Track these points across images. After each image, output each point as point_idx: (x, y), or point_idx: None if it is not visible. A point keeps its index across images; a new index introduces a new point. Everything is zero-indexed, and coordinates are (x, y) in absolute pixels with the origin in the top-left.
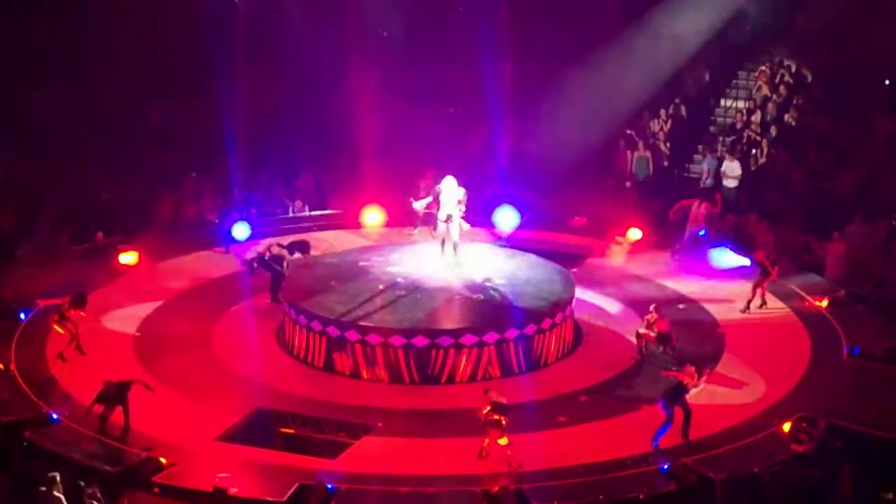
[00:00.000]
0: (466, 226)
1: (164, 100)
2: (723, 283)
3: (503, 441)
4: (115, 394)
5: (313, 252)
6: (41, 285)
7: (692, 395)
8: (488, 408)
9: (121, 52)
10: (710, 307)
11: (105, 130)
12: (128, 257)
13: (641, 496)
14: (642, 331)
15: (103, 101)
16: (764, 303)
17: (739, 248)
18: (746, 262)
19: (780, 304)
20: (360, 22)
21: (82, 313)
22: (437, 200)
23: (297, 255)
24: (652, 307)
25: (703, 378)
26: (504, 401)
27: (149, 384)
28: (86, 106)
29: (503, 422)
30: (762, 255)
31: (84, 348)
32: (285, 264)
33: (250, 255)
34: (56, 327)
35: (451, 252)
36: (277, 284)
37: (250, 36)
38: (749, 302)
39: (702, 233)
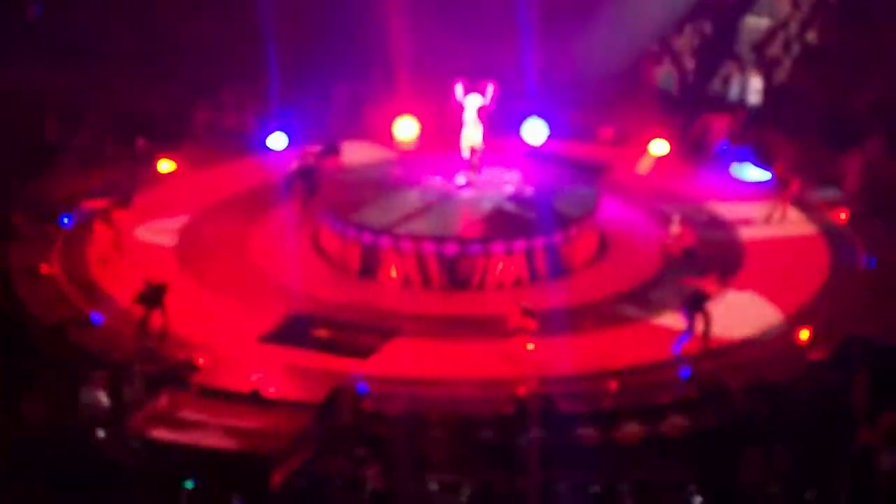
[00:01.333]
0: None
1: (203, 9)
2: (744, 196)
3: (531, 346)
4: (153, 293)
5: (347, 161)
6: (83, 189)
7: (713, 304)
8: (518, 313)
9: None
10: (731, 219)
11: (146, 41)
12: (166, 164)
13: (663, 401)
14: (668, 241)
15: (143, 15)
16: (784, 215)
17: (760, 162)
18: (767, 175)
19: (800, 216)
20: None
21: (126, 213)
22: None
23: (330, 155)
24: (676, 217)
25: (725, 286)
26: (531, 306)
27: (183, 289)
28: (126, 19)
29: (532, 326)
30: (781, 168)
31: (125, 252)
32: (316, 172)
33: (290, 167)
34: (100, 228)
35: (475, 161)
36: (311, 193)
37: None
38: (770, 214)
39: (724, 147)
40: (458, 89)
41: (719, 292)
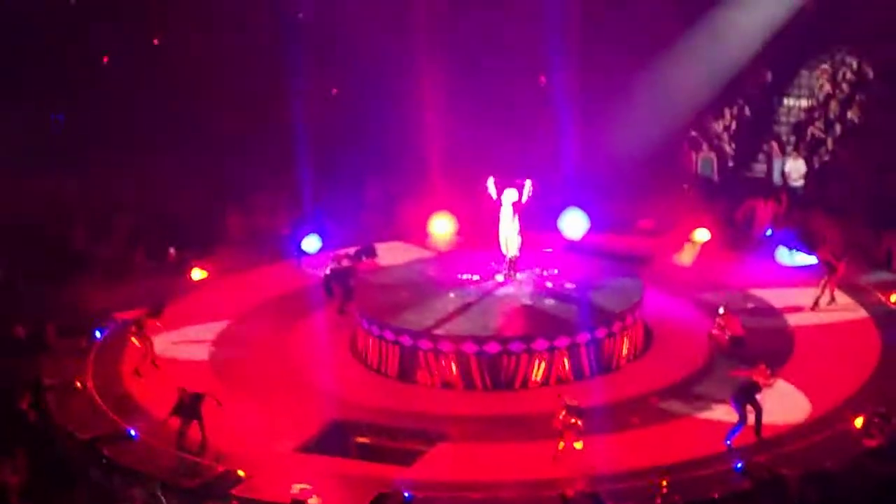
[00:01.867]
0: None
1: (235, 111)
2: (791, 282)
3: (579, 445)
4: (189, 404)
5: (382, 262)
6: (115, 301)
7: (764, 395)
8: (564, 412)
9: (189, 65)
10: (778, 306)
11: (176, 144)
12: (199, 273)
13: (716, 495)
14: (715, 332)
15: (173, 115)
16: (832, 299)
17: (806, 246)
18: (813, 259)
19: (849, 300)
20: (424, 30)
21: (158, 323)
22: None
23: (365, 258)
24: (721, 308)
25: (775, 377)
26: (578, 404)
27: (219, 399)
28: (157, 120)
29: (579, 424)
30: (827, 252)
31: (159, 363)
32: (352, 274)
33: (325, 271)
34: (133, 339)
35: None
36: (347, 296)
37: (317, 48)
38: (818, 299)
39: (769, 232)
40: (490, 184)
41: (769, 382)
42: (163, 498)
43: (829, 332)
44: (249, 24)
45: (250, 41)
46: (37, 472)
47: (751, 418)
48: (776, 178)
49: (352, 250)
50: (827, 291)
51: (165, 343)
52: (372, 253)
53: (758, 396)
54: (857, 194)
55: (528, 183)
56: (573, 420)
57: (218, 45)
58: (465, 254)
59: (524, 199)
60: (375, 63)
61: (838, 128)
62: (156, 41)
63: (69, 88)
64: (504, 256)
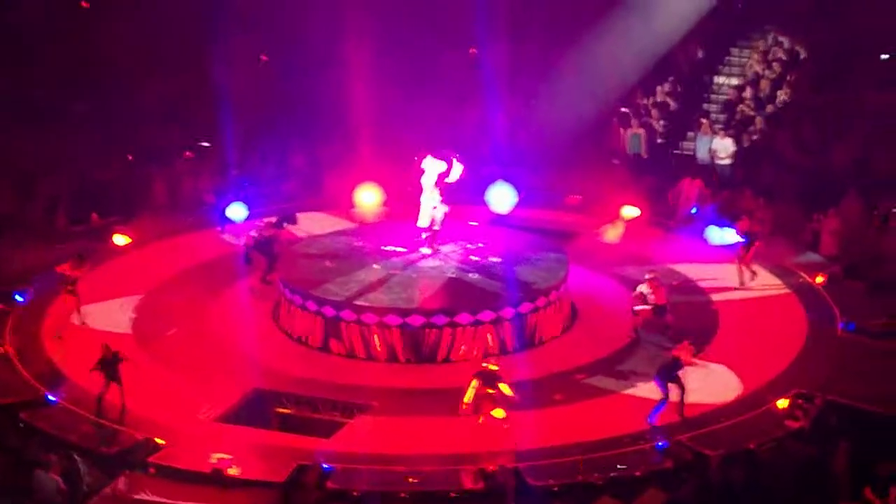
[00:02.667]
0: (445, 208)
1: (159, 77)
2: (717, 260)
3: (499, 413)
4: (111, 360)
5: (307, 231)
6: (37, 265)
7: (687, 373)
8: (475, 383)
9: (116, 29)
10: (704, 284)
11: (101, 109)
12: (122, 238)
13: (638, 473)
14: (638, 308)
15: (98, 79)
16: (753, 273)
17: (731, 223)
18: (738, 238)
19: (775, 280)
20: (355, 2)
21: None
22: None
23: (286, 225)
24: (647, 275)
25: (698, 354)
26: (497, 371)
27: (139, 365)
28: (82, 84)
29: (493, 393)
30: (746, 225)
31: (82, 330)
32: (274, 243)
33: (245, 240)
34: (68, 294)
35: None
36: (270, 265)
37: (245, 13)
38: (740, 276)
39: (693, 210)
40: (424, 161)
41: (692, 360)
42: (81, 464)
43: (755, 310)
44: None
45: (178, 4)
46: None
47: (675, 396)
48: (703, 155)
49: (273, 218)
50: (745, 266)
51: (87, 310)
52: (292, 221)
53: (680, 374)
54: (788, 175)
55: (455, 161)
56: (488, 390)
57: (144, 9)
58: (391, 225)
59: (453, 176)
60: (305, 30)
61: (769, 107)
62: (84, 3)
63: None
64: (425, 228)
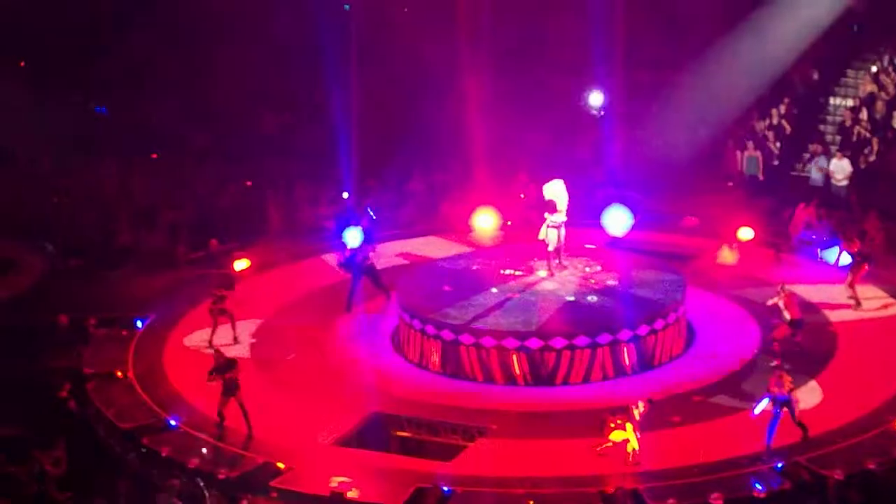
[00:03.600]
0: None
1: (278, 108)
2: (832, 282)
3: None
4: (225, 365)
5: (423, 255)
6: (158, 293)
7: (803, 396)
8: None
9: (235, 61)
10: (821, 305)
11: (219, 138)
12: (242, 263)
13: (757, 495)
14: (771, 302)
15: (217, 110)
16: (856, 296)
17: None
18: (849, 258)
19: (892, 300)
20: (469, 28)
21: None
22: (552, 208)
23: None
24: (781, 287)
25: (791, 389)
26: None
27: (259, 391)
28: (200, 115)
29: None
30: (856, 246)
31: (200, 357)
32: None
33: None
34: (220, 314)
35: (559, 255)
36: (379, 286)
37: (362, 43)
38: (855, 298)
39: (811, 237)
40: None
41: (780, 393)
42: (203, 488)
43: (872, 332)
44: (291, 20)
45: (292, 36)
46: (76, 462)
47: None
48: (816, 177)
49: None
50: (853, 286)
51: (205, 335)
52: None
53: (791, 397)
54: None
55: (559, 183)
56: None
57: (264, 41)
58: (508, 249)
59: (562, 194)
60: (423, 60)
61: (884, 128)
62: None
63: (113, 81)
64: (546, 252)
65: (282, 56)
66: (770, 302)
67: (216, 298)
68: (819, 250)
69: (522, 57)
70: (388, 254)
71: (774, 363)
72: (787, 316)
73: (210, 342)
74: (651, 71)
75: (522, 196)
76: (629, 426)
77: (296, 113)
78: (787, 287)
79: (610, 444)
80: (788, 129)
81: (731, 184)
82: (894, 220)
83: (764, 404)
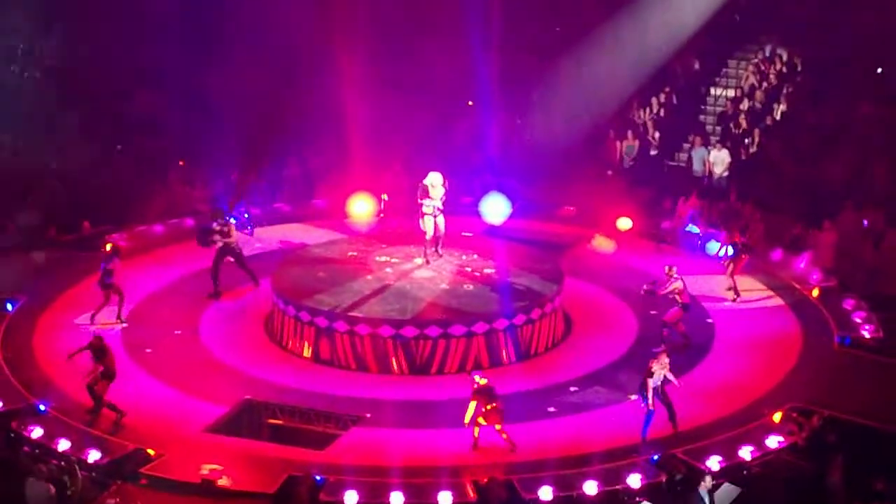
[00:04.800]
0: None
1: (150, 88)
2: (711, 273)
3: (499, 426)
4: (99, 347)
5: (298, 241)
6: (27, 274)
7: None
8: (474, 403)
9: (105, 38)
10: (700, 297)
11: (92, 118)
12: (112, 246)
13: (631, 487)
14: (649, 289)
15: (87, 90)
16: (736, 288)
17: (722, 236)
18: (728, 249)
19: (770, 292)
20: (347, 8)
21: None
22: (425, 194)
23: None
24: (669, 269)
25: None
26: (488, 383)
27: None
28: (72, 93)
29: (494, 406)
30: (734, 237)
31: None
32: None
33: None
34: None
35: (436, 244)
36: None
37: (236, 20)
38: (735, 289)
39: (694, 229)
40: (432, 177)
41: (665, 371)
42: (72, 473)
43: (750, 323)
44: None
45: (166, 12)
46: None
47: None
48: (698, 168)
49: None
50: (732, 277)
51: (77, 319)
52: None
53: (665, 389)
54: (781, 187)
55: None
56: (487, 406)
57: (138, 19)
58: (384, 236)
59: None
60: (296, 36)
61: (767, 119)
62: None
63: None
64: (424, 239)
65: (154, 33)
66: (646, 286)
67: (105, 272)
68: (700, 242)
69: (403, 34)
70: (263, 239)
71: (660, 349)
72: (679, 300)
73: (92, 319)
74: (532, 56)
75: (385, 198)
76: (472, 405)
77: (168, 92)
78: (672, 269)
79: (477, 428)
80: (669, 118)
81: (610, 173)
82: (773, 211)
83: (650, 394)
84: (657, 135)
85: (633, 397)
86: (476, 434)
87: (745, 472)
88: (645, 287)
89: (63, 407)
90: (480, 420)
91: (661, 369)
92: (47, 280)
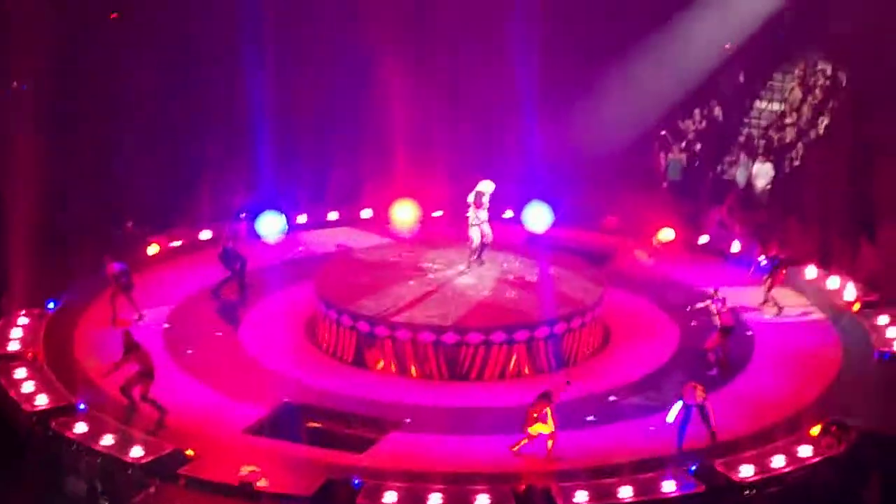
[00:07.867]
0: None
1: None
2: (752, 285)
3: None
4: (133, 344)
5: (342, 246)
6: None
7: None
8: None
9: (147, 49)
10: (740, 308)
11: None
12: (155, 248)
13: (670, 497)
14: (710, 349)
15: (130, 98)
16: (773, 299)
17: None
18: (767, 262)
19: (810, 306)
20: (392, 18)
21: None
22: (479, 202)
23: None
24: (714, 292)
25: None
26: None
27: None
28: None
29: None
30: (774, 250)
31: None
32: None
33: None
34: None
35: (481, 251)
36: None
37: (281, 31)
38: (776, 303)
39: (736, 247)
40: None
41: (703, 395)
42: (110, 473)
43: (790, 337)
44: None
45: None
46: None
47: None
48: (741, 180)
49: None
50: (770, 291)
51: (120, 319)
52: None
53: (704, 403)
54: (825, 201)
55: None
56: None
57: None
58: (428, 242)
59: (485, 199)
60: (343, 47)
61: (810, 133)
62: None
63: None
64: (468, 246)
65: (198, 41)
66: (700, 305)
67: (120, 273)
68: (739, 252)
69: (448, 46)
70: (306, 243)
71: (712, 373)
72: (717, 322)
73: (114, 319)
74: (578, 66)
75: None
76: (548, 411)
77: (212, 99)
78: (720, 293)
79: (526, 440)
80: (713, 130)
81: (665, 185)
82: (815, 224)
83: (677, 409)
84: (700, 147)
85: (673, 415)
86: (523, 441)
87: (781, 486)
88: (696, 306)
89: (102, 405)
90: (543, 428)
91: (697, 399)
92: (88, 280)
